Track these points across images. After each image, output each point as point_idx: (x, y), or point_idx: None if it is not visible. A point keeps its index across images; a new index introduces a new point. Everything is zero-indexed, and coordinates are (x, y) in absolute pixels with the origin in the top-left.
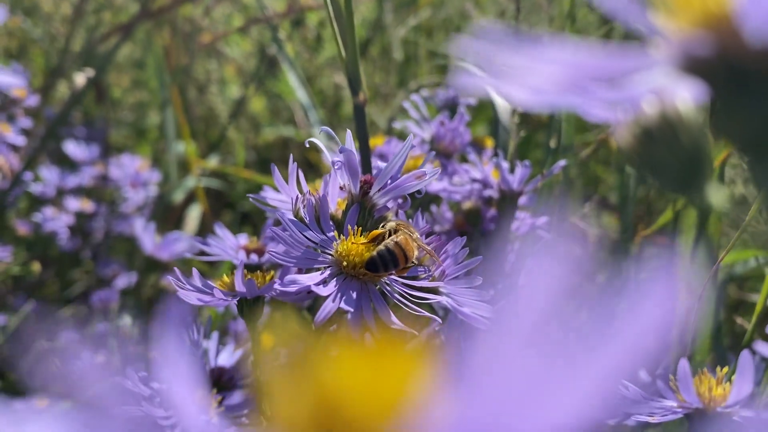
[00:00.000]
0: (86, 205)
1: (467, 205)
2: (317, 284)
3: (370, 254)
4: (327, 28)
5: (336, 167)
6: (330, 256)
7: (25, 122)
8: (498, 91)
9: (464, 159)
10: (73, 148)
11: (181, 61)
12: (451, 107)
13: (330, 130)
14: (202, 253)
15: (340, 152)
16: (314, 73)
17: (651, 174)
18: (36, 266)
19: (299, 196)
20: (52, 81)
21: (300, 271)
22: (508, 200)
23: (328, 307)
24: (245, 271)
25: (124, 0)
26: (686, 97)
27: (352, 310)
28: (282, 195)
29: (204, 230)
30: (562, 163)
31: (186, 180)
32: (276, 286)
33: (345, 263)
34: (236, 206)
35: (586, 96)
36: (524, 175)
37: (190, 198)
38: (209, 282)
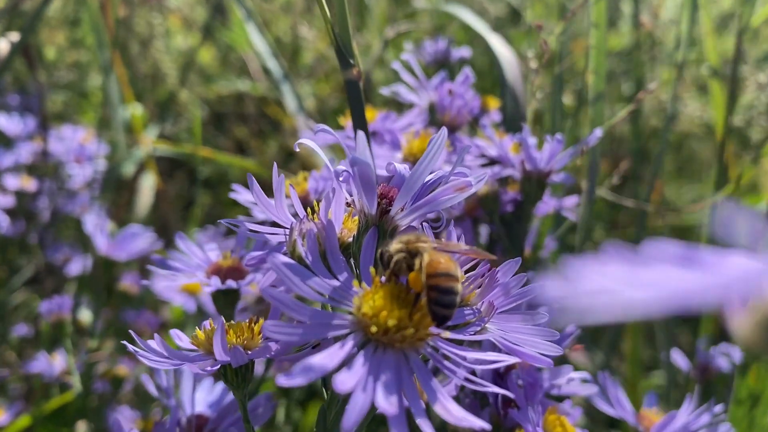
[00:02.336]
0: (27, 183)
1: (483, 188)
2: (339, 367)
3: (432, 309)
4: None
5: (341, 179)
6: (350, 316)
7: None
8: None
9: (473, 130)
10: (5, 122)
11: (119, 13)
12: (441, 62)
13: (328, 129)
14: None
15: (352, 164)
16: (269, 19)
17: None
18: None
19: (294, 222)
20: None
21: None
22: (534, 182)
23: (359, 404)
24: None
25: None
26: None
27: (395, 411)
28: (255, 197)
29: (161, 201)
30: (598, 132)
31: (136, 150)
32: (279, 381)
33: (374, 328)
34: (191, 168)
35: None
36: (555, 152)
37: (142, 167)
38: (184, 345)
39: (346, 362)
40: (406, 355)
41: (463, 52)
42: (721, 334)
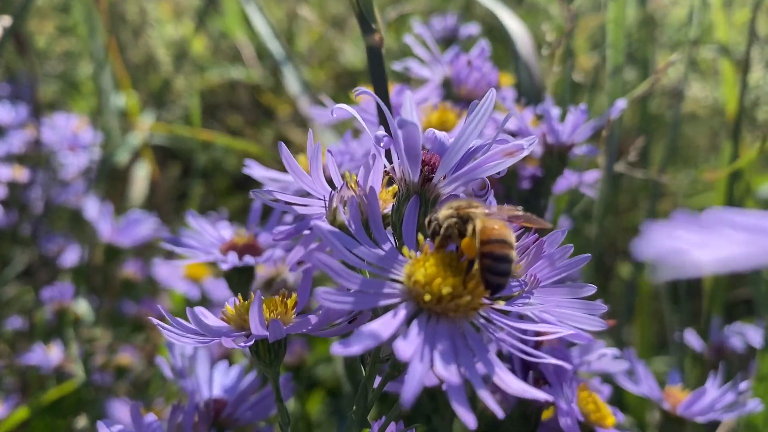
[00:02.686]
0: (19, 174)
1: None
2: (394, 336)
3: (486, 278)
4: None
5: (382, 144)
6: (400, 285)
7: None
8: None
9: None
10: None
11: (111, 1)
12: (449, 40)
13: (367, 90)
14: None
15: (399, 126)
16: (263, 4)
17: None
18: None
19: (332, 191)
20: None
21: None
22: (555, 155)
23: (417, 374)
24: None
25: None
26: None
27: (456, 381)
28: (272, 173)
29: (155, 191)
30: (621, 103)
31: (130, 137)
32: (335, 349)
33: (428, 297)
34: (185, 158)
35: None
36: (578, 123)
37: (136, 157)
38: (210, 323)
39: (400, 332)
40: (459, 325)
41: (471, 29)
42: (730, 316)
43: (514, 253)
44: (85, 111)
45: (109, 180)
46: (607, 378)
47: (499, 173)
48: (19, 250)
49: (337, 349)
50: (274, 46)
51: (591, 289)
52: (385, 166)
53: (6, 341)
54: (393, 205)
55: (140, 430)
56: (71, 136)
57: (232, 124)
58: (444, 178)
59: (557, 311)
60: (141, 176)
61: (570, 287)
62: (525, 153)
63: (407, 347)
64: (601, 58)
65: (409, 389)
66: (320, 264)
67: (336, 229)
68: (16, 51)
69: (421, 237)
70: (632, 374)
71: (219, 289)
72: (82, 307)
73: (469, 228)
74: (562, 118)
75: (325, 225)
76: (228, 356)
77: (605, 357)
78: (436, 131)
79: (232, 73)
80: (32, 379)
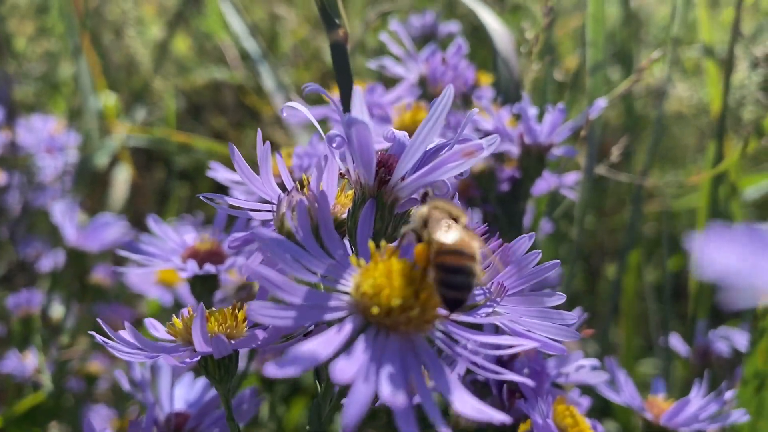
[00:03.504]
0: None
1: (478, 165)
2: (336, 355)
3: (440, 291)
4: None
5: (335, 145)
6: (347, 296)
7: None
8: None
9: (466, 103)
10: None
11: (91, 1)
12: (428, 37)
13: (319, 87)
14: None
15: (348, 125)
16: (247, 5)
17: None
18: None
19: (282, 195)
20: None
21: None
22: (533, 156)
23: (361, 396)
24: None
25: None
26: None
27: (402, 405)
28: (237, 176)
29: (137, 194)
30: (601, 102)
31: (109, 140)
32: (268, 370)
33: (375, 309)
34: (168, 161)
35: None
36: (556, 123)
37: (116, 160)
38: (159, 335)
39: (344, 349)
40: (412, 339)
41: (451, 27)
42: (716, 319)
43: (475, 266)
44: (64, 112)
45: (89, 183)
46: (590, 386)
47: (461, 174)
48: None
49: (271, 370)
50: (250, 45)
51: (560, 298)
52: (340, 168)
53: None
54: (349, 209)
55: None
56: (48, 138)
57: (216, 125)
58: (402, 179)
59: (526, 321)
60: (121, 179)
61: (538, 295)
62: (485, 153)
63: (348, 367)
64: (584, 57)
65: (351, 413)
66: (256, 276)
67: (280, 237)
68: None
69: (372, 245)
70: (614, 383)
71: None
72: (58, 312)
73: (425, 234)
74: (540, 117)
75: (267, 232)
76: (196, 368)
77: (583, 368)
78: (395, 130)
79: (215, 73)
80: (9, 387)
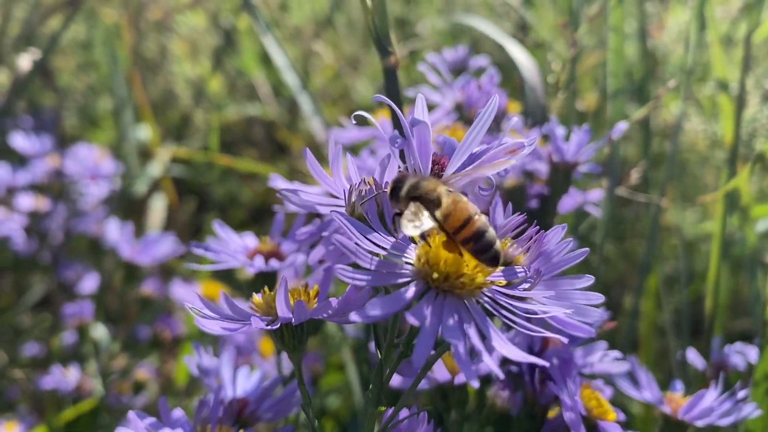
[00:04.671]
0: (41, 204)
1: (509, 181)
2: (406, 307)
3: (478, 259)
4: None
5: (396, 145)
6: (410, 266)
7: None
8: None
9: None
10: (21, 141)
11: (133, 38)
12: (460, 70)
13: (384, 98)
14: (193, 257)
15: (412, 125)
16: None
17: None
18: None
19: (353, 185)
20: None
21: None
22: (560, 173)
23: (427, 341)
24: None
25: None
26: None
27: (460, 341)
28: (294, 185)
29: (171, 224)
30: (622, 125)
31: (149, 168)
32: (353, 317)
33: (436, 275)
34: (201, 193)
35: None
36: (582, 143)
37: (154, 188)
38: (241, 306)
39: (412, 305)
40: (464, 302)
41: (481, 61)
42: (732, 335)
43: (482, 219)
44: (105, 144)
45: (126, 212)
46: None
47: (505, 171)
48: (37, 279)
49: (355, 317)
50: (290, 77)
51: (589, 280)
52: (399, 167)
53: (22, 367)
54: None
55: (168, 423)
56: (93, 166)
57: (247, 159)
58: (453, 174)
59: (561, 303)
60: (158, 208)
61: (568, 278)
62: (526, 151)
63: (417, 314)
64: (602, 93)
65: (420, 352)
66: (338, 244)
67: (354, 219)
68: (42, 83)
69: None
70: (635, 382)
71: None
72: (100, 332)
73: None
74: (567, 137)
75: (344, 215)
76: (249, 364)
77: (607, 357)
78: (445, 135)
79: (248, 109)
80: (49, 401)
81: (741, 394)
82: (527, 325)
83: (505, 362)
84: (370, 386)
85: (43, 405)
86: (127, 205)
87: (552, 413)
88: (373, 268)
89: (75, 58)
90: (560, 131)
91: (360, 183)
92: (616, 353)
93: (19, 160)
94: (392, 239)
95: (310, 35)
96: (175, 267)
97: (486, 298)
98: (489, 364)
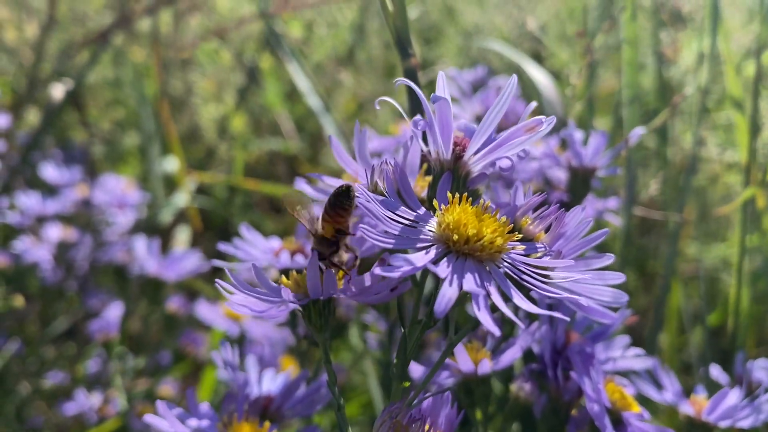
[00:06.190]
0: (68, 234)
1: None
2: (431, 263)
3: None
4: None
5: (419, 127)
6: (431, 233)
7: None
8: None
9: None
10: (51, 172)
11: (162, 75)
12: (479, 88)
13: (407, 81)
14: (218, 272)
15: (434, 101)
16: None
17: None
18: (19, 300)
19: (374, 165)
20: (30, 92)
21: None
22: (579, 178)
23: (447, 294)
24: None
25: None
26: None
27: (481, 290)
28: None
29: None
30: (639, 130)
31: (175, 198)
32: (377, 270)
33: (456, 236)
34: (223, 228)
35: None
36: (600, 147)
37: (178, 218)
38: (272, 282)
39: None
40: (484, 265)
41: (500, 81)
42: (759, 350)
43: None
44: (133, 174)
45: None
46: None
47: (524, 153)
48: (63, 309)
49: (378, 270)
50: (313, 101)
51: (609, 258)
52: (422, 149)
53: (46, 397)
54: (429, 185)
55: (195, 414)
56: (120, 195)
57: (270, 193)
58: (474, 155)
59: (581, 286)
60: (182, 240)
61: (588, 258)
62: (545, 128)
63: (440, 270)
64: (618, 121)
65: (441, 303)
66: (363, 208)
67: (376, 195)
68: (75, 110)
69: (449, 194)
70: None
71: (257, 327)
72: (117, 368)
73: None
74: (585, 141)
75: (367, 191)
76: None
77: (629, 352)
78: (466, 121)
79: (271, 144)
80: (73, 426)
81: (765, 396)
82: (547, 288)
83: (527, 360)
84: (395, 361)
85: (67, 427)
86: (153, 235)
87: (574, 412)
88: (396, 232)
89: (104, 95)
90: (578, 135)
91: (381, 163)
92: (637, 350)
93: (49, 191)
94: (413, 213)
95: (332, 71)
96: (199, 288)
97: (506, 264)
98: (507, 313)
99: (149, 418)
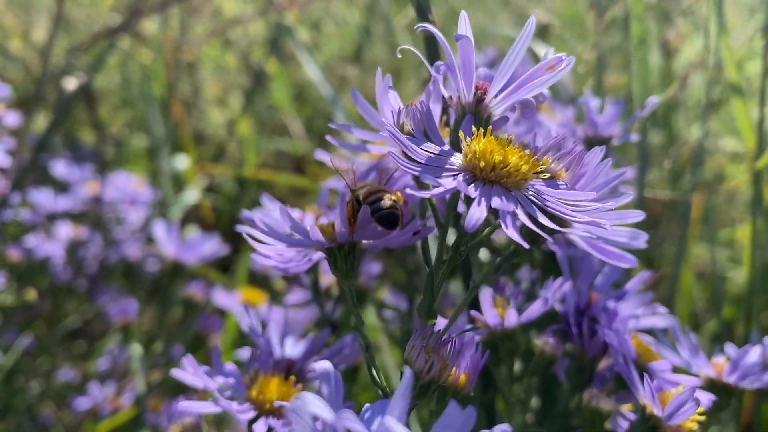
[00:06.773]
0: (79, 232)
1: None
2: (456, 189)
3: None
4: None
5: (440, 72)
6: (459, 163)
7: (9, 142)
8: None
9: None
10: (62, 169)
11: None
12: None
13: (430, 26)
14: (231, 267)
15: (456, 39)
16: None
17: None
18: (31, 294)
19: (401, 108)
20: (39, 92)
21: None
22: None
23: (476, 214)
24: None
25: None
26: None
27: (510, 208)
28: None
29: None
30: (654, 99)
31: (184, 195)
32: (408, 190)
33: (482, 164)
34: (231, 226)
35: None
36: (615, 116)
37: (185, 219)
38: (299, 224)
39: (461, 189)
40: (510, 191)
41: None
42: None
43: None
44: (145, 172)
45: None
46: None
47: (543, 96)
48: (73, 307)
49: (409, 191)
50: (325, 89)
51: (628, 196)
52: (443, 95)
53: (56, 395)
54: (451, 127)
55: (221, 372)
56: (131, 192)
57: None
58: (495, 97)
59: (600, 230)
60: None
61: (608, 198)
62: (565, 66)
63: (474, 191)
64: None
65: (471, 221)
66: (391, 136)
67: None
68: (87, 105)
69: (474, 128)
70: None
71: (274, 314)
72: (137, 352)
73: None
74: (601, 110)
75: (398, 131)
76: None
77: (652, 309)
78: (486, 69)
79: (280, 144)
80: (86, 419)
81: None
82: (573, 214)
83: (550, 320)
84: (422, 298)
85: (78, 426)
86: None
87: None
88: (423, 161)
89: (112, 99)
90: (594, 103)
91: (408, 106)
92: (661, 307)
93: (60, 188)
94: (439, 149)
95: (339, 70)
96: (214, 279)
97: (531, 192)
98: (535, 228)
99: (176, 372)
